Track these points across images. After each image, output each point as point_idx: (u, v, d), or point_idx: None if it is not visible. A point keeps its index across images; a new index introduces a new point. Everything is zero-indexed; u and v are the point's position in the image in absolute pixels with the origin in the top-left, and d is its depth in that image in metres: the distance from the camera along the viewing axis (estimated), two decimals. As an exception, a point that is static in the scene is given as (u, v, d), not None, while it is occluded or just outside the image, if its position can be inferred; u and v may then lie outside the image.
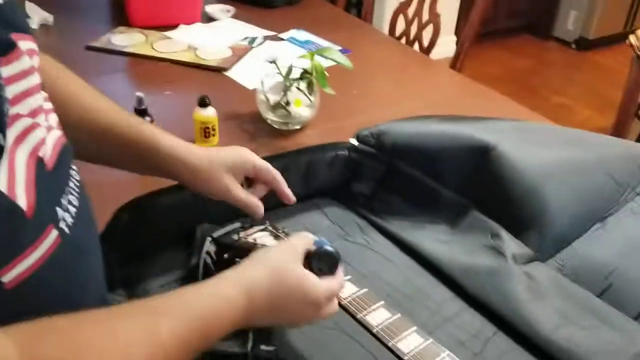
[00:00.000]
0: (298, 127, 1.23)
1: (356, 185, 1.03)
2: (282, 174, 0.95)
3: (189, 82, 1.42)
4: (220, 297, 0.56)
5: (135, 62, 1.49)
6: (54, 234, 0.47)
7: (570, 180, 0.93)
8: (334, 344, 0.75)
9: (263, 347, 0.72)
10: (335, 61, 1.22)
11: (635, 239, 0.88)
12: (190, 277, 0.82)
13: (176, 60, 1.48)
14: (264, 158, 0.82)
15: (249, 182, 0.79)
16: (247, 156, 0.76)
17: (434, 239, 0.92)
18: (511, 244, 0.88)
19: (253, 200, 0.75)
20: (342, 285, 0.66)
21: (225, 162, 0.74)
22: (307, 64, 1.19)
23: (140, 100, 1.09)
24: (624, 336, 0.76)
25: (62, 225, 0.48)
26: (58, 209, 0.49)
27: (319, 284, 0.61)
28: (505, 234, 0.90)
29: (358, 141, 1.03)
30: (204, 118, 1.12)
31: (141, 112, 1.09)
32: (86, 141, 0.68)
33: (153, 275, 0.83)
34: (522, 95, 3.19)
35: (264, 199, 0.78)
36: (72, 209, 0.51)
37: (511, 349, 0.77)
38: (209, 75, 1.44)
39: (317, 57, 1.19)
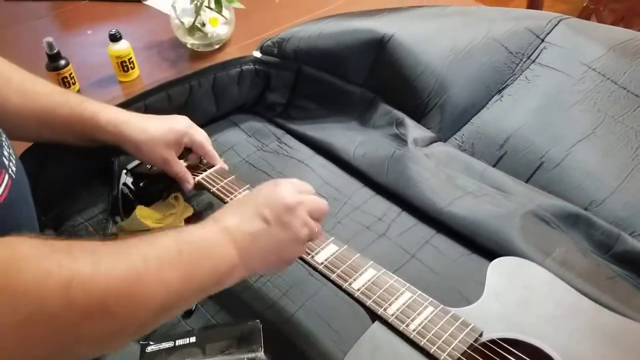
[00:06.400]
0: (218, 46, 1.23)
1: (270, 96, 1.05)
2: (190, 97, 0.98)
3: (109, 18, 1.42)
4: (196, 231, 0.57)
5: (54, 5, 1.48)
6: (7, 177, 0.60)
7: (466, 59, 0.95)
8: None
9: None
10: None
11: (529, 105, 0.91)
12: (112, 207, 0.87)
13: (94, -4, 1.47)
14: (169, 82, 0.84)
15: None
16: (186, 132, 0.83)
17: (345, 137, 0.96)
18: (414, 130, 0.92)
19: (186, 177, 0.83)
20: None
21: (165, 138, 0.81)
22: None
23: (50, 46, 1.09)
24: (515, 199, 0.81)
25: (10, 171, 0.61)
26: (3, 159, 0.61)
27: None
28: (409, 121, 0.94)
29: (261, 53, 1.04)
30: (118, 52, 1.14)
31: (54, 57, 1.10)
32: (25, 124, 0.75)
33: (77, 211, 0.88)
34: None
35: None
36: (13, 158, 0.63)
37: (412, 225, 0.83)
38: (127, 8, 1.44)
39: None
